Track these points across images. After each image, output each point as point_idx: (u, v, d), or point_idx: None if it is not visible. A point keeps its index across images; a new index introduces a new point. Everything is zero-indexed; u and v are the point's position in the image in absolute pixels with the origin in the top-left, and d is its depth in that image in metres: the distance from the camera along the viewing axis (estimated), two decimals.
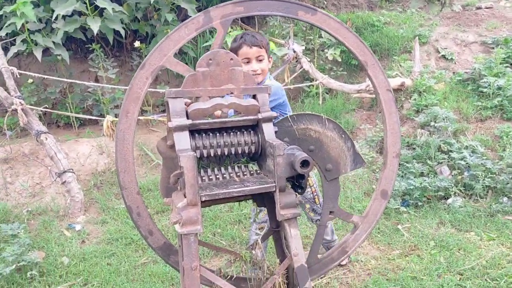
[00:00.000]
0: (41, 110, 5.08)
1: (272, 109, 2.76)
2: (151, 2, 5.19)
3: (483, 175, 4.00)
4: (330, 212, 2.25)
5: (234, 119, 1.98)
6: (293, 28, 6.08)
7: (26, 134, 5.14)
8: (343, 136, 2.19)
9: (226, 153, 1.99)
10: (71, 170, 4.22)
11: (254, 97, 2.02)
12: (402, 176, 4.26)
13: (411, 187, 4.00)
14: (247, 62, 2.72)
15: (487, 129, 4.77)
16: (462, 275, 3.02)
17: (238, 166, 2.04)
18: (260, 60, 2.73)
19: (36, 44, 5.09)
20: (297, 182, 2.04)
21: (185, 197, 1.77)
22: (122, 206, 4.08)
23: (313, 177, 3.01)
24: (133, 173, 1.99)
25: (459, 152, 4.29)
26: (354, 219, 2.30)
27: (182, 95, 1.92)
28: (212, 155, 1.97)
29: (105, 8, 4.96)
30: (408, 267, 3.14)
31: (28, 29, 5.03)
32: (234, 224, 3.86)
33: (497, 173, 4.04)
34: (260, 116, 1.96)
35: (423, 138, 4.65)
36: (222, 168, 2.02)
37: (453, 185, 4.05)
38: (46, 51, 5.25)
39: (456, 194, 4.03)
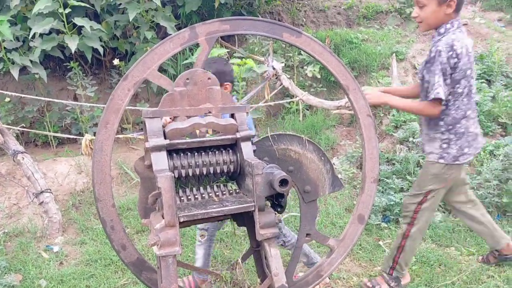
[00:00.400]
0: (18, 129, 5.01)
1: None
2: (130, 20, 5.18)
3: None
4: (307, 234, 2.25)
5: (212, 138, 1.97)
6: (272, 46, 6.12)
7: (3, 154, 5.05)
8: (322, 158, 2.20)
9: (204, 173, 1.98)
10: (48, 190, 4.14)
11: (232, 116, 2.02)
12: (382, 192, 4.28)
13: (392, 202, 4.02)
14: None
15: None
16: None
17: (217, 186, 2.03)
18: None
19: (13, 63, 5.03)
20: (277, 201, 2.03)
21: (163, 218, 1.75)
22: (100, 226, 4.01)
23: None
24: (109, 185, 1.96)
25: None
26: (330, 243, 2.30)
27: (160, 115, 1.91)
28: (190, 174, 1.96)
29: (83, 26, 4.93)
30: None
31: (4, 48, 4.97)
32: (215, 243, 3.82)
33: (475, 187, 4.08)
34: (238, 135, 1.96)
35: (402, 153, 4.69)
36: (201, 188, 2.01)
37: None
38: (23, 69, 5.19)
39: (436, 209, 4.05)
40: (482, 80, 5.46)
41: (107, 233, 1.99)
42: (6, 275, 3.29)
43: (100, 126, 1.92)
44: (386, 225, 3.93)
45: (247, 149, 1.97)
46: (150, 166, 1.88)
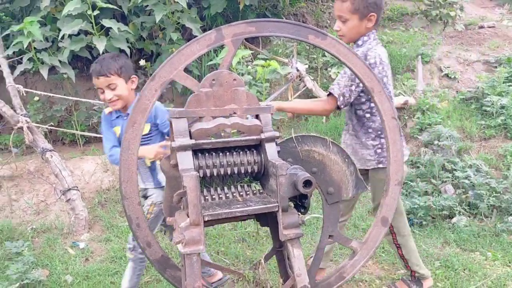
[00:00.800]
0: (47, 128, 5.12)
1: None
2: (156, 22, 5.25)
3: (488, 194, 3.99)
4: (330, 236, 2.25)
5: (237, 139, 1.99)
6: (296, 47, 6.13)
7: (32, 152, 5.17)
8: (346, 160, 2.20)
9: (229, 173, 2.00)
10: (75, 188, 4.24)
11: (257, 117, 2.04)
12: (406, 195, 4.25)
13: (416, 206, 3.99)
14: (102, 92, 2.70)
15: (491, 148, 4.77)
16: None
17: (241, 186, 2.05)
18: (113, 89, 2.68)
19: (42, 63, 5.15)
20: (300, 202, 2.04)
21: (188, 216, 1.78)
22: (126, 224, 4.08)
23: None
24: (136, 184, 1.99)
25: (463, 171, 4.28)
26: (353, 245, 2.30)
27: (186, 115, 1.94)
28: (215, 174, 1.98)
29: (111, 28, 5.02)
30: None
31: (34, 48, 5.10)
32: (238, 243, 3.85)
33: (501, 192, 4.02)
34: (263, 136, 1.98)
35: (427, 156, 4.64)
36: (225, 188, 2.03)
37: (457, 204, 4.04)
38: (52, 69, 5.30)
39: (461, 213, 4.01)
40: (510, 84, 5.36)
41: (133, 230, 2.03)
42: (33, 270, 3.36)
43: (128, 125, 1.95)
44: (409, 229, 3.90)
45: (271, 150, 1.98)
46: (175, 165, 1.91)
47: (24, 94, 4.80)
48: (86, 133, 5.30)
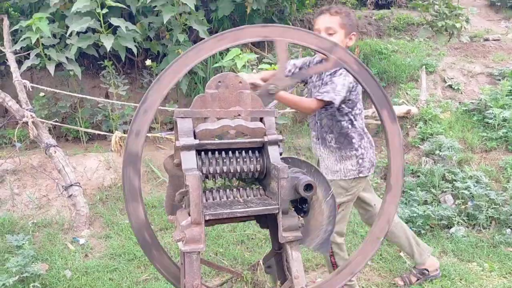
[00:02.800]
0: (51, 124, 5.16)
1: None
2: (164, 22, 5.29)
3: (487, 206, 4.01)
4: None
5: (241, 141, 2.02)
6: (301, 52, 6.16)
7: (35, 147, 5.21)
8: (331, 219, 2.12)
9: (231, 174, 2.03)
10: (77, 184, 4.27)
11: (261, 120, 2.07)
12: (405, 204, 4.27)
13: (414, 214, 4.01)
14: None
15: (491, 160, 4.79)
16: None
17: (242, 187, 2.07)
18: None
19: (49, 59, 5.18)
20: (300, 205, 2.07)
21: (189, 215, 1.81)
22: (126, 221, 4.11)
23: None
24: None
25: (463, 181, 4.30)
26: None
27: (191, 115, 1.97)
28: (217, 175, 2.01)
29: (118, 26, 5.06)
30: None
31: (42, 44, 5.14)
32: (236, 244, 3.88)
33: (500, 204, 4.04)
34: (266, 138, 2.01)
35: (427, 166, 4.67)
36: (227, 188, 2.06)
37: (456, 214, 4.06)
38: (59, 66, 5.34)
39: (459, 223, 4.03)
40: None
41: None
42: (33, 263, 3.39)
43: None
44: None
45: (273, 153, 2.01)
46: (179, 165, 1.94)
47: (30, 90, 4.84)
48: (90, 130, 5.33)
